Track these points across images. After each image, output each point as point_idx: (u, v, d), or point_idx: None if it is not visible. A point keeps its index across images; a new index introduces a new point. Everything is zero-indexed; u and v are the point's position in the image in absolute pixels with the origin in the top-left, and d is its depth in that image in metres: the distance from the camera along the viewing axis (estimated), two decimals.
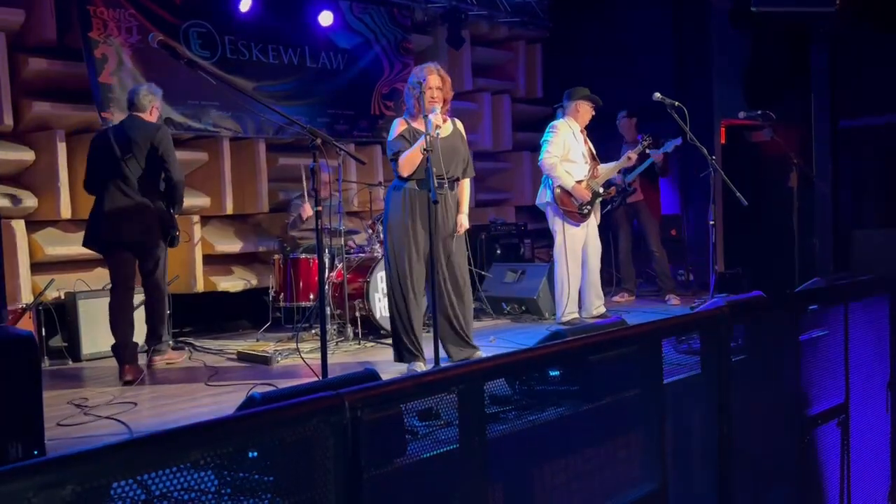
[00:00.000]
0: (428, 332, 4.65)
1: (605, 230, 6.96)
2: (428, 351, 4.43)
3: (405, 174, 4.35)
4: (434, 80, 4.35)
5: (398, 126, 4.46)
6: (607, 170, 6.02)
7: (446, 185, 4.42)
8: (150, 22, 5.63)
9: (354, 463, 1.58)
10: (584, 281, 5.86)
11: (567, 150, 5.76)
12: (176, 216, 4.85)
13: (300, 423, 1.56)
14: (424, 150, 4.06)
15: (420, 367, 4.44)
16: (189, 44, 5.91)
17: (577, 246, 5.78)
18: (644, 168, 6.58)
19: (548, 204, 5.81)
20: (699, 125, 5.76)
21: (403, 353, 4.46)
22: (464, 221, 4.63)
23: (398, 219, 4.39)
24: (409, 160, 4.31)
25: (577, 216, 5.76)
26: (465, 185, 4.69)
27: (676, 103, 5.38)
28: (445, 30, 7.64)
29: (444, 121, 4.39)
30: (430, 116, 4.22)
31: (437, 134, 4.23)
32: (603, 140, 6.50)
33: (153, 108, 4.76)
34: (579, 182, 5.74)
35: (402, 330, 4.43)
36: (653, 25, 7.98)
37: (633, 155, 6.07)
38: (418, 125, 4.38)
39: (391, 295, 4.49)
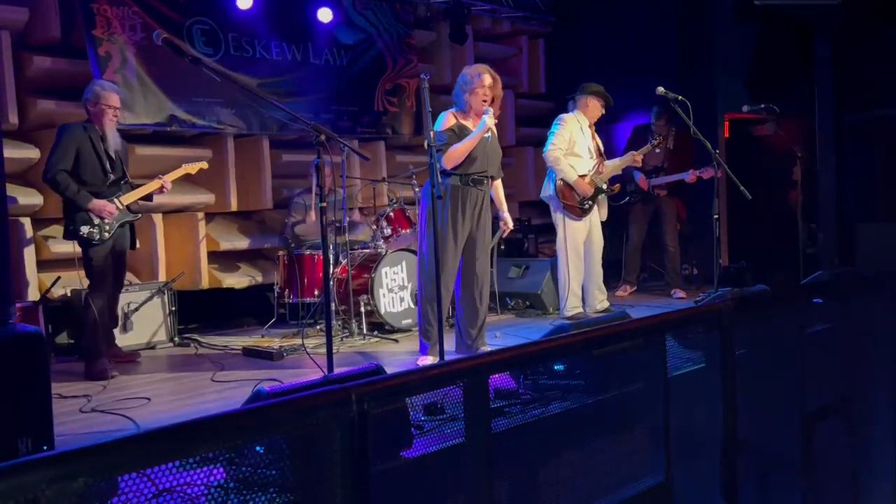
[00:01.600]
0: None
1: (619, 222, 6.97)
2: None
3: (449, 167, 4.47)
4: (487, 80, 4.56)
5: (447, 119, 4.59)
6: (612, 166, 6.03)
7: (486, 183, 4.63)
8: (153, 19, 5.64)
9: (361, 456, 1.59)
10: (587, 275, 5.87)
11: (573, 144, 5.76)
12: (87, 209, 4.61)
13: (307, 416, 1.57)
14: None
15: (430, 361, 4.48)
16: (192, 41, 5.92)
17: (579, 240, 5.79)
18: (672, 179, 6.82)
19: (550, 197, 5.82)
20: (702, 119, 5.76)
21: (426, 341, 4.56)
22: (510, 220, 5.03)
23: (439, 210, 4.45)
24: (458, 154, 4.45)
25: (578, 210, 5.76)
26: (500, 185, 4.97)
27: (680, 97, 5.39)
28: (448, 25, 7.63)
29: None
30: (485, 117, 4.47)
31: (489, 138, 4.50)
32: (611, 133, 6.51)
33: (91, 105, 4.68)
34: (582, 177, 5.75)
35: (428, 320, 4.53)
36: (656, 19, 7.96)
37: (638, 156, 6.07)
38: (466, 122, 4.58)
39: (424, 284, 4.57)
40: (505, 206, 5.03)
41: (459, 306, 4.69)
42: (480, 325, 4.66)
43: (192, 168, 5.19)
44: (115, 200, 4.72)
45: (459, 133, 4.52)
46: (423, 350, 4.58)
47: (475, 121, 4.58)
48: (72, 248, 5.06)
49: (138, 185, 4.92)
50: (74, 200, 4.59)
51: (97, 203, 4.64)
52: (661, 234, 7.06)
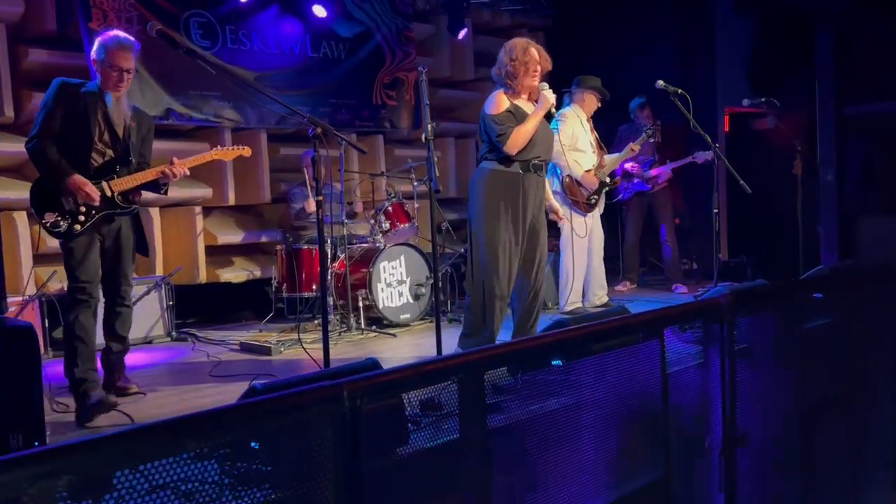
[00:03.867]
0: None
1: (615, 217, 6.96)
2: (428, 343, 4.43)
3: (514, 152, 4.05)
4: (534, 53, 4.15)
5: (499, 100, 4.15)
6: (613, 160, 6.01)
7: (544, 168, 4.24)
8: (150, 12, 5.61)
9: (354, 452, 1.57)
10: (588, 270, 5.86)
11: (575, 140, 5.74)
12: (69, 198, 3.66)
13: (299, 412, 1.55)
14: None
15: None
16: (189, 33, 5.89)
17: (584, 236, 5.78)
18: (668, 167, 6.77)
19: (555, 193, 5.80)
20: (703, 113, 5.74)
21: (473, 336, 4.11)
22: (559, 208, 4.68)
23: (497, 200, 4.08)
24: (524, 136, 4.03)
25: (585, 206, 5.75)
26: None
27: (680, 91, 5.36)
28: (447, 18, 7.60)
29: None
30: (544, 92, 4.09)
31: (553, 110, 4.12)
32: (612, 127, 6.50)
33: (97, 64, 3.79)
34: (588, 171, 5.73)
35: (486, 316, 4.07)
36: (656, 12, 7.93)
37: (636, 146, 6.05)
38: (521, 102, 4.18)
39: (479, 281, 4.10)
40: (550, 193, 4.61)
41: (521, 298, 4.22)
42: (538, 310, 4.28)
43: (227, 154, 4.22)
44: (104, 184, 3.71)
45: (517, 115, 4.09)
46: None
47: (526, 100, 4.20)
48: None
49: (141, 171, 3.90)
50: (49, 174, 3.62)
51: (75, 180, 3.57)
52: (658, 229, 7.05)
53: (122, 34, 3.78)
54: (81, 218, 3.66)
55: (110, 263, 3.84)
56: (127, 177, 3.79)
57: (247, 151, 4.26)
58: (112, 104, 3.75)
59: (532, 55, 4.14)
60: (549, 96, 4.09)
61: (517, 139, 4.02)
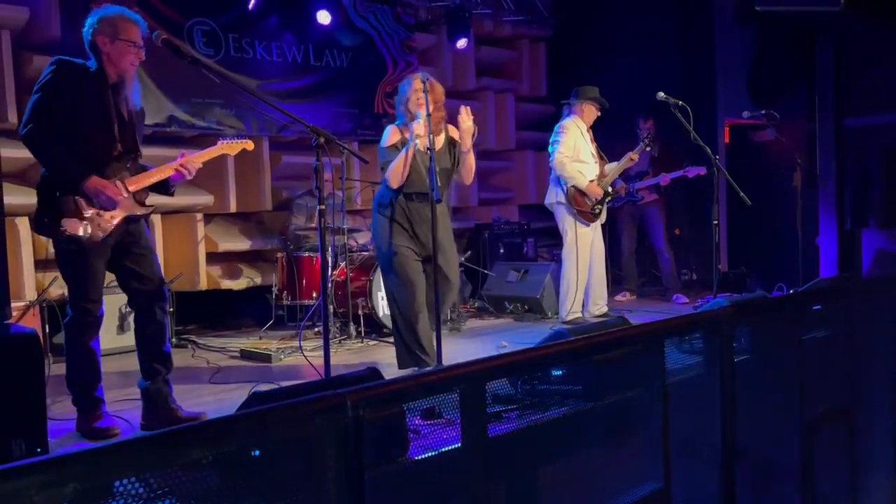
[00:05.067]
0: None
1: (609, 229, 6.97)
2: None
3: (394, 186, 4.19)
4: (417, 84, 4.18)
5: (391, 134, 4.30)
6: (614, 169, 6.03)
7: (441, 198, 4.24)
8: (154, 19, 5.63)
9: (356, 462, 1.58)
10: (590, 280, 5.87)
11: (577, 151, 5.77)
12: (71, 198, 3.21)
13: (302, 422, 1.56)
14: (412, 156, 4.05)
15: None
16: (193, 41, 5.92)
17: (587, 246, 5.80)
18: (646, 185, 6.81)
19: (559, 204, 5.81)
20: (703, 124, 5.76)
21: (407, 357, 4.27)
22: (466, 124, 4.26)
23: (388, 229, 4.22)
24: (395, 172, 4.14)
25: (590, 216, 5.78)
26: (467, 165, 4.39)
27: (680, 102, 5.38)
28: (449, 28, 7.64)
29: (440, 132, 4.26)
30: (412, 123, 4.13)
31: (416, 143, 4.08)
32: (612, 137, 6.52)
33: (105, 41, 3.26)
34: (591, 181, 5.77)
35: (406, 337, 4.24)
36: (657, 24, 7.96)
37: (634, 156, 6.08)
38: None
39: (394, 306, 4.29)
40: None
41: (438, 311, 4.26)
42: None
43: (233, 147, 3.84)
44: (118, 184, 3.26)
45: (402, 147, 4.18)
46: None
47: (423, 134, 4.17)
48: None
49: (146, 168, 3.48)
50: (59, 172, 3.15)
51: (96, 182, 3.13)
52: (652, 240, 7.08)
53: (122, 7, 3.35)
54: (105, 222, 3.21)
55: (145, 267, 3.42)
56: (141, 174, 3.38)
57: (249, 145, 3.94)
58: (125, 87, 3.29)
59: (414, 86, 4.18)
60: (416, 128, 4.05)
61: (389, 174, 4.15)
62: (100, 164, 3.23)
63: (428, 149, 3.96)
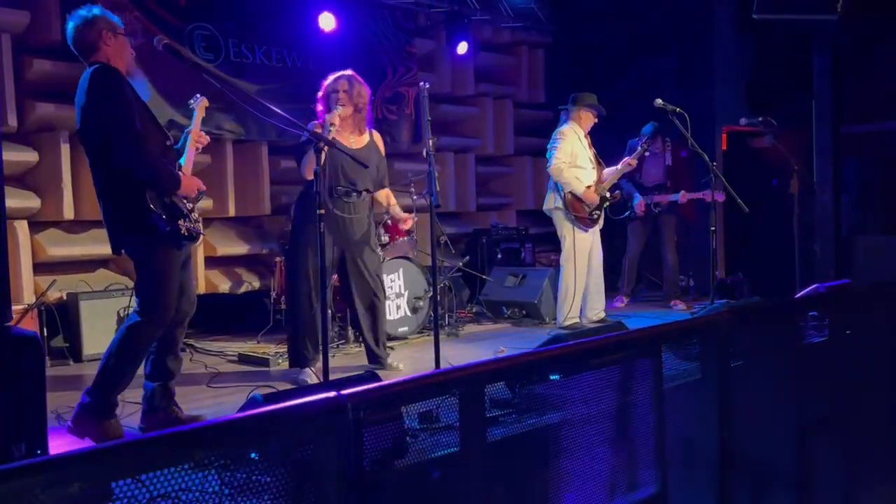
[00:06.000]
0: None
1: (614, 234, 6.99)
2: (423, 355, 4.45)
3: (307, 178, 4.33)
4: (339, 84, 4.46)
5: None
6: (611, 175, 6.05)
7: (354, 195, 4.52)
8: (154, 24, 5.65)
9: (357, 464, 1.59)
10: (588, 285, 5.89)
11: (575, 157, 5.79)
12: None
13: (302, 423, 1.57)
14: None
15: (310, 375, 4.48)
16: (193, 46, 5.93)
17: (586, 251, 5.82)
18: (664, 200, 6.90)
19: (557, 209, 5.83)
20: (700, 131, 5.78)
21: (300, 357, 4.51)
22: (403, 214, 4.93)
23: (306, 224, 4.36)
24: (306, 164, 4.30)
25: (588, 221, 5.80)
26: (385, 192, 4.85)
27: (678, 109, 5.40)
28: (448, 34, 7.66)
29: (362, 133, 4.54)
30: (326, 116, 4.31)
31: (330, 130, 4.18)
32: (611, 144, 6.55)
33: (108, 37, 3.20)
34: (588, 187, 5.79)
35: (301, 335, 4.47)
36: (655, 31, 8.00)
37: (632, 161, 6.10)
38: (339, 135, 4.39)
39: (293, 297, 4.55)
40: (393, 201, 4.95)
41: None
42: (380, 327, 4.78)
43: (201, 108, 3.74)
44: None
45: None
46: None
47: (341, 130, 4.40)
48: (68, 251, 4.97)
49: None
50: (163, 180, 3.12)
51: (189, 181, 3.21)
52: (661, 247, 7.08)
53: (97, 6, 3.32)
54: (196, 218, 3.25)
55: (187, 275, 3.43)
56: (185, 164, 3.40)
57: (205, 102, 3.77)
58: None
59: (336, 86, 4.48)
60: (330, 118, 4.26)
61: (302, 168, 4.36)
62: (165, 159, 3.24)
63: (428, 153, 4.01)
